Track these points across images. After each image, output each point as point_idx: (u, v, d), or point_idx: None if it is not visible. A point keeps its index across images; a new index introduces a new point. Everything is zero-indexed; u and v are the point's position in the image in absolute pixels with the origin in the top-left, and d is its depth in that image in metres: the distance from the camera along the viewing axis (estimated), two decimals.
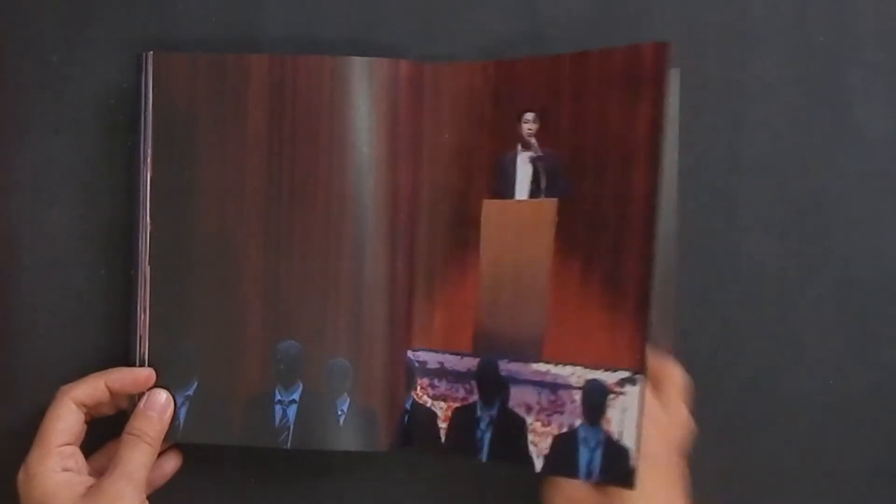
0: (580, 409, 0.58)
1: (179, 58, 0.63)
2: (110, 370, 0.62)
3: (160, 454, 0.62)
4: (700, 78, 0.65)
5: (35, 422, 0.60)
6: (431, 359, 0.63)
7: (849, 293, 0.65)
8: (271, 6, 0.65)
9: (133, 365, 0.62)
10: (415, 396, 0.63)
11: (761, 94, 0.65)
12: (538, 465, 0.59)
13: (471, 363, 0.62)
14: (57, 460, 0.59)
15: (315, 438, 0.62)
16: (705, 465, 0.64)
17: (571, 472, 0.58)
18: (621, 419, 0.57)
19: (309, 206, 0.62)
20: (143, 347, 0.63)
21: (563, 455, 0.58)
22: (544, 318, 0.60)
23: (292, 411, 0.62)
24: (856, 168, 0.65)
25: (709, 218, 0.65)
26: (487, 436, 0.61)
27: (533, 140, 0.61)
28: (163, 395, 0.61)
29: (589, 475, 0.57)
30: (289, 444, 0.62)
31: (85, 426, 0.61)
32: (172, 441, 0.63)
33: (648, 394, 0.57)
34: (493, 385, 0.61)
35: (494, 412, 0.61)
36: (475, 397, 0.62)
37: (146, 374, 0.62)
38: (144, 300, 0.63)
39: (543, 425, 0.59)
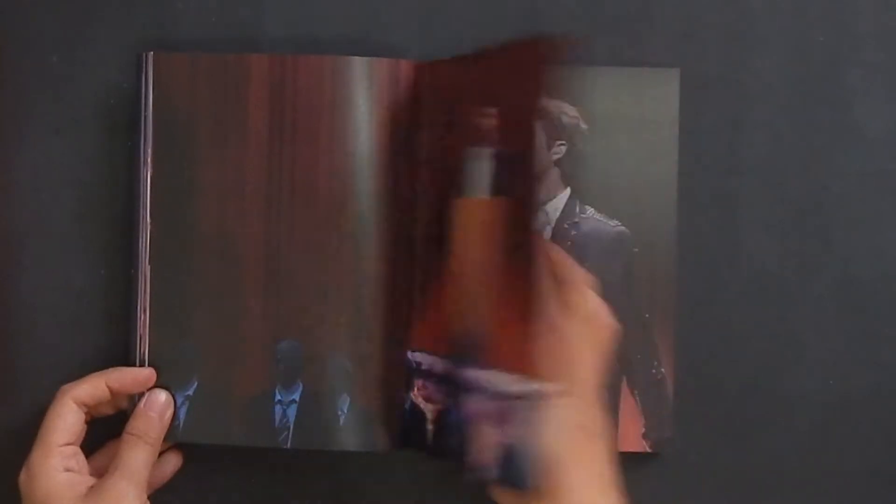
0: (515, 419, 0.56)
1: (179, 58, 0.63)
2: (111, 370, 0.62)
3: (160, 454, 0.62)
4: (700, 78, 0.65)
5: (35, 422, 0.60)
6: (425, 360, 0.63)
7: (849, 293, 0.65)
8: (271, 6, 0.65)
9: (133, 365, 0.62)
10: (412, 397, 0.63)
11: (761, 94, 0.65)
12: (483, 473, 0.57)
13: (446, 366, 0.61)
14: (59, 460, 0.59)
15: (315, 438, 0.62)
16: (705, 465, 0.64)
17: (513, 483, 0.56)
18: (536, 429, 0.55)
19: (309, 205, 0.62)
20: (143, 347, 0.63)
21: (505, 464, 0.56)
22: (488, 323, 0.59)
23: (292, 411, 0.62)
24: (856, 168, 0.65)
25: (709, 218, 0.65)
26: (454, 441, 0.60)
27: (492, 136, 0.59)
28: (163, 395, 0.61)
29: (520, 484, 0.56)
30: (289, 444, 0.62)
31: (85, 426, 0.61)
32: (172, 441, 0.63)
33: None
34: (454, 390, 0.61)
35: (456, 418, 0.60)
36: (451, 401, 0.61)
37: (146, 373, 0.62)
38: (144, 300, 0.63)
39: (487, 434, 0.58)
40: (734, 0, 0.65)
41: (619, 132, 0.64)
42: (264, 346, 0.63)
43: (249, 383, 0.63)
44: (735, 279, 0.65)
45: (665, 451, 0.64)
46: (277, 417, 0.62)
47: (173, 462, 0.64)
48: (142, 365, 0.62)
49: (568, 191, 0.64)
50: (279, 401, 0.62)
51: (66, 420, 0.59)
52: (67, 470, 0.59)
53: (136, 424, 0.60)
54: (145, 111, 0.63)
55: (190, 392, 0.62)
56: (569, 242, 0.64)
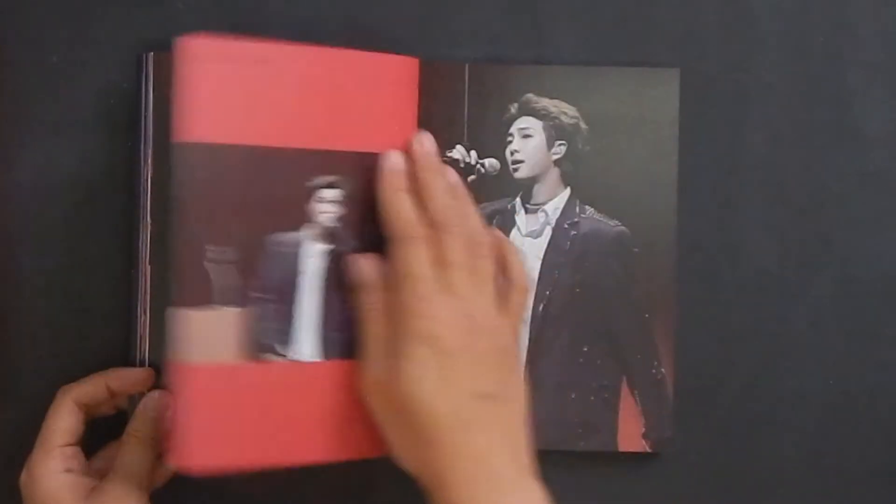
0: None
1: None
2: (110, 370, 0.62)
3: (161, 454, 0.62)
4: (700, 78, 0.65)
5: (35, 422, 0.60)
6: None
7: (849, 293, 0.65)
8: (271, 6, 0.65)
9: (133, 365, 0.62)
10: None
11: (761, 94, 0.65)
12: None
13: None
14: (59, 461, 0.59)
15: None
16: (705, 465, 0.64)
17: None
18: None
19: None
20: (143, 347, 0.63)
21: None
22: None
23: None
24: (856, 168, 0.65)
25: (709, 218, 0.65)
26: None
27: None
28: (159, 396, 0.61)
29: None
30: None
31: (85, 426, 0.61)
32: None
33: None
34: None
35: None
36: None
37: (146, 374, 0.62)
38: (144, 300, 0.62)
39: None
40: (734, 0, 0.65)
41: (619, 132, 0.64)
42: None
43: None
44: (735, 279, 0.65)
45: (665, 451, 0.64)
46: None
47: None
48: (142, 365, 0.62)
49: (568, 191, 0.64)
50: None
51: (67, 420, 0.59)
52: (68, 471, 0.59)
53: (137, 426, 0.60)
54: (145, 111, 0.63)
55: None
56: (568, 242, 0.64)
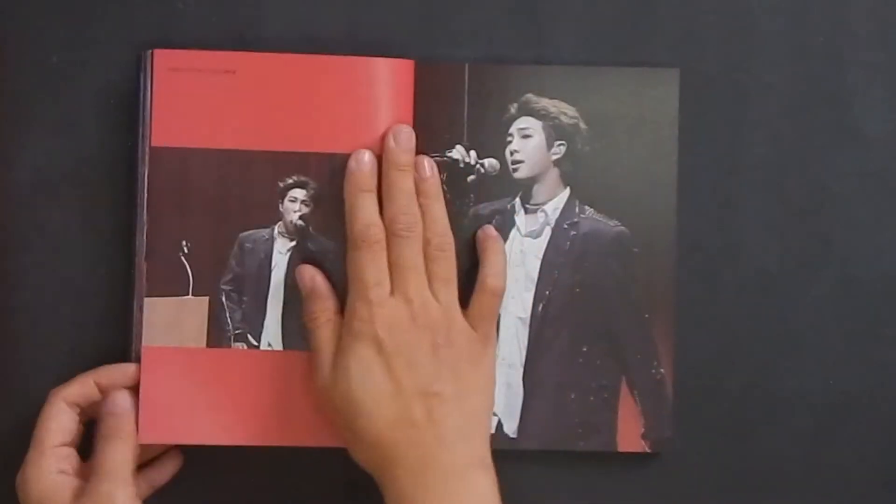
0: None
1: None
2: (98, 368, 0.62)
3: (160, 455, 0.62)
4: (700, 78, 0.65)
5: (35, 422, 0.60)
6: None
7: (849, 293, 0.65)
8: (271, 6, 0.65)
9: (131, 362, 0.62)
10: None
11: (761, 94, 0.65)
12: None
13: None
14: (52, 462, 0.59)
15: None
16: (705, 465, 0.64)
17: None
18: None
19: None
20: (142, 345, 0.62)
21: None
22: None
23: None
24: (856, 168, 0.65)
25: (709, 218, 0.65)
26: None
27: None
28: (120, 394, 0.61)
29: None
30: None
31: (81, 427, 0.61)
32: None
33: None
34: None
35: None
36: None
37: (133, 368, 0.62)
38: (142, 299, 0.62)
39: None
40: (734, 0, 0.65)
41: (619, 132, 0.64)
42: None
43: None
44: (735, 279, 0.65)
45: (665, 451, 0.64)
46: None
47: (173, 462, 0.64)
48: (139, 362, 0.62)
49: (568, 191, 0.64)
50: None
51: (58, 421, 0.59)
52: (61, 472, 0.59)
53: (103, 426, 0.60)
54: (145, 111, 0.63)
55: None
56: (568, 242, 0.64)
